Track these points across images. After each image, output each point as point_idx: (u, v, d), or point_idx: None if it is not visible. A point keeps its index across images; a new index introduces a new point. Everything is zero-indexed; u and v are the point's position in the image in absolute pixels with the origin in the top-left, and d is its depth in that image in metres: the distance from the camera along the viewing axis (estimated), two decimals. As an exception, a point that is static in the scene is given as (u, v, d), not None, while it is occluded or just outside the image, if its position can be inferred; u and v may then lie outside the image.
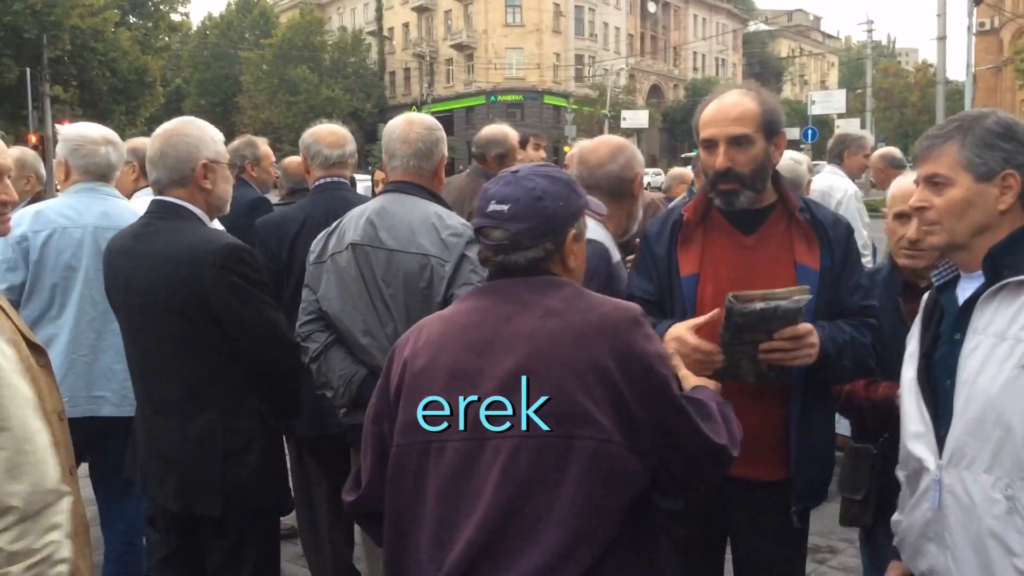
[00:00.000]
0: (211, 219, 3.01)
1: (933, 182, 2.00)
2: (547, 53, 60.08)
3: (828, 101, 40.31)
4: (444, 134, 3.26)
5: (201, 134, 2.97)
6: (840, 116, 40.74)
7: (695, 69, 77.43)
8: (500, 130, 5.16)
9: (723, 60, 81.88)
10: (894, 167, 6.32)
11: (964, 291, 2.03)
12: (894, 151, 6.69)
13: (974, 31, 27.15)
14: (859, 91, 51.04)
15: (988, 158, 1.95)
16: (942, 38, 26.18)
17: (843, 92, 41.99)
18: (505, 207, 1.84)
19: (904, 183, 2.89)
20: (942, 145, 2.00)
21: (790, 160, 5.23)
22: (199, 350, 2.81)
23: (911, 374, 2.09)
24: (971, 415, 1.89)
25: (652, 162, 61.18)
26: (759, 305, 2.30)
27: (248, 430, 2.85)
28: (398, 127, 3.19)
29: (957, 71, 58.73)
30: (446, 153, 3.24)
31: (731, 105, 2.55)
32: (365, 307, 3.04)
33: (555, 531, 1.71)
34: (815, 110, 39.94)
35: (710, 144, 2.57)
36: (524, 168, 1.92)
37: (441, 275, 2.96)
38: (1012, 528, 1.82)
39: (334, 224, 3.20)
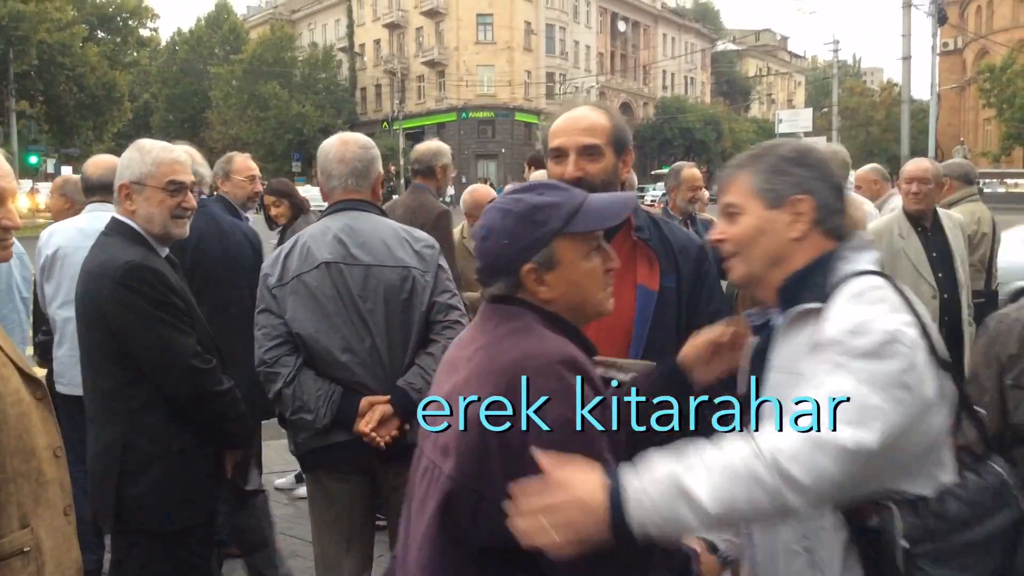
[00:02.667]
0: (159, 241, 3.00)
1: (728, 212, 1.91)
2: (518, 70, 60.35)
3: (795, 120, 40.87)
4: (378, 152, 3.32)
5: (133, 156, 2.98)
6: (807, 134, 41.31)
7: (664, 87, 78.08)
8: (437, 143, 5.36)
9: (692, 79, 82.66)
10: (884, 179, 6.46)
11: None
12: (878, 166, 6.75)
13: (938, 51, 27.62)
14: (825, 110, 51.67)
15: (777, 183, 1.85)
16: (907, 58, 26.63)
17: (810, 111, 42.63)
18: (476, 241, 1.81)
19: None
20: (736, 174, 1.91)
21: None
22: (107, 363, 2.86)
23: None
24: None
25: (622, 179, 61.39)
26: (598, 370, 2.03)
27: (149, 450, 2.84)
28: (333, 147, 3.23)
29: (922, 90, 59.78)
30: (381, 171, 3.30)
31: (581, 117, 2.51)
32: (344, 324, 3.04)
33: (413, 559, 1.73)
34: (782, 128, 40.40)
35: (559, 153, 2.49)
36: (502, 195, 1.84)
37: (423, 285, 3.09)
38: None
39: (287, 245, 3.18)
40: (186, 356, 2.86)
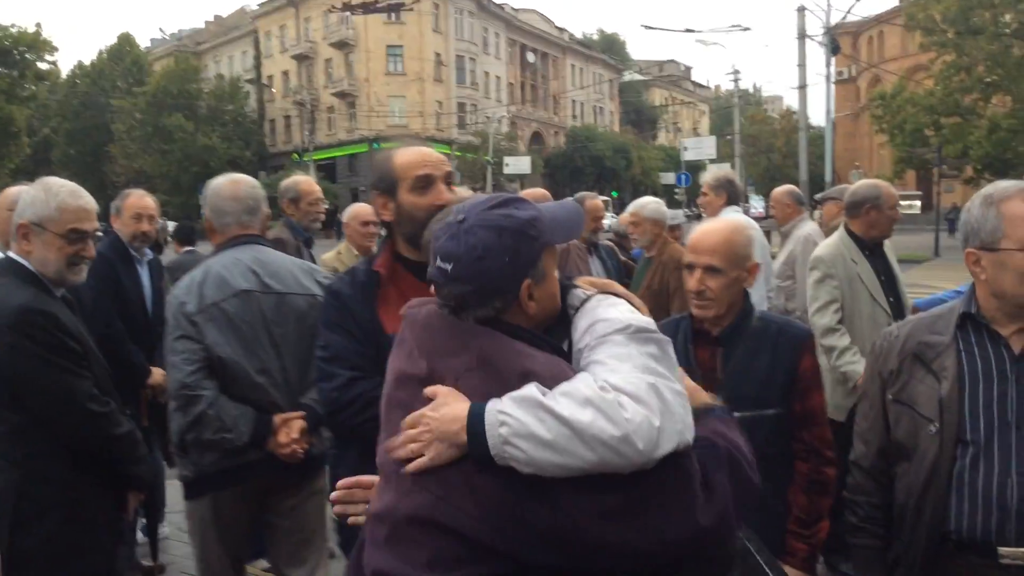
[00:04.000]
0: (55, 284, 2.93)
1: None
2: (429, 101, 60.53)
3: (700, 147, 41.71)
4: (263, 192, 3.58)
5: (38, 196, 2.92)
6: (712, 161, 42.30)
7: (574, 116, 79.30)
8: (291, 179, 5.55)
9: (601, 108, 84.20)
10: (799, 203, 6.48)
11: None
12: (796, 189, 6.77)
13: (832, 80, 28.73)
14: (729, 137, 53.10)
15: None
16: (803, 87, 27.62)
17: (713, 139, 43.50)
18: (448, 266, 1.65)
19: (697, 233, 2.86)
20: None
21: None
22: (2, 408, 2.75)
23: None
24: None
25: (535, 207, 61.84)
26: None
27: (44, 497, 2.73)
28: (225, 187, 3.45)
29: (819, 117, 61.97)
30: (268, 210, 3.54)
31: (430, 151, 2.68)
32: (260, 348, 3.25)
33: None
34: (688, 156, 41.21)
35: (427, 183, 2.57)
36: (472, 213, 1.69)
37: None
38: None
39: (198, 274, 3.29)
40: (83, 400, 2.79)
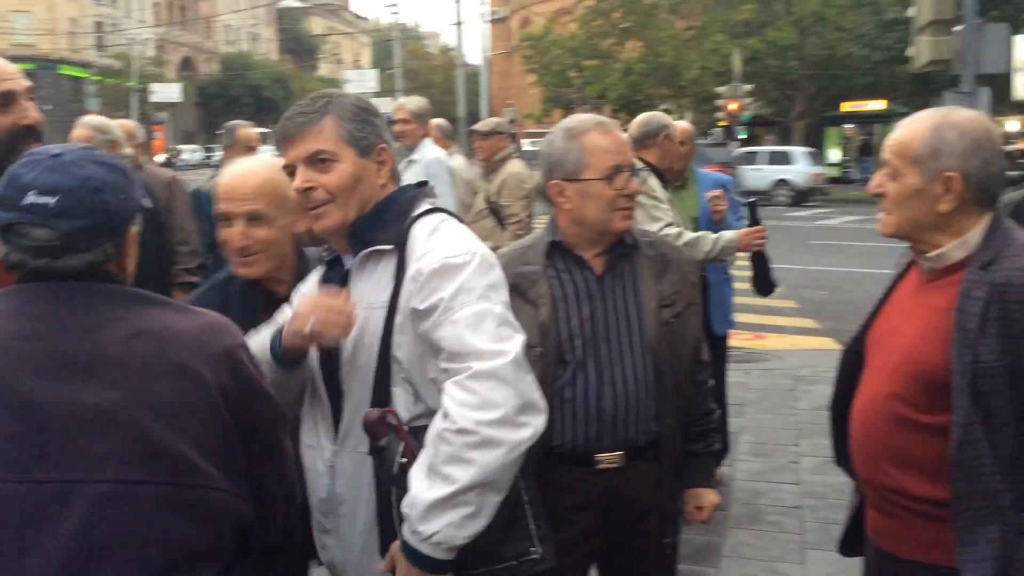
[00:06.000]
0: None
1: (319, 159, 1.91)
2: (60, 18, 54.23)
3: (362, 80, 41.62)
4: None
5: None
6: (375, 95, 42.36)
7: (229, 42, 75.21)
8: None
9: (257, 34, 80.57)
10: (447, 136, 6.37)
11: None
12: (444, 122, 6.69)
13: (487, 19, 29.71)
14: (390, 71, 53.27)
15: (368, 132, 1.94)
16: (459, 23, 28.36)
17: (375, 72, 43.61)
18: (52, 200, 1.44)
19: (229, 177, 2.32)
20: (319, 121, 1.92)
21: None
22: None
23: (313, 355, 2.03)
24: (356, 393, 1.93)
25: (188, 138, 58.50)
26: None
27: None
28: None
29: (476, 55, 63.97)
30: None
31: (6, 63, 2.47)
32: None
33: None
34: (350, 89, 40.67)
35: (8, 99, 2.36)
36: (69, 151, 1.52)
37: None
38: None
39: None
40: None
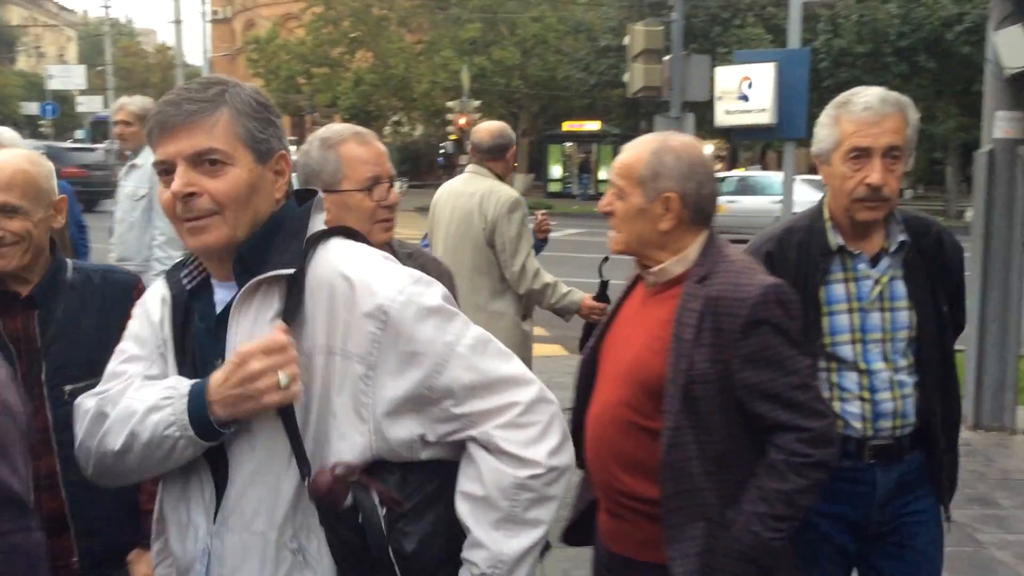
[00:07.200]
0: None
1: (208, 160, 1.50)
2: None
3: (68, 76, 38.62)
4: None
5: None
6: (82, 92, 39.25)
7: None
8: None
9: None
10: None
11: (221, 302, 1.61)
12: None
13: (208, 19, 28.44)
14: (100, 68, 49.70)
15: (269, 134, 1.57)
16: (178, 22, 26.95)
17: (83, 68, 40.40)
18: None
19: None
20: (213, 113, 1.51)
21: None
22: None
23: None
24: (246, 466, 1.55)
25: None
26: None
27: None
28: None
29: (196, 56, 61.17)
30: None
31: None
32: None
33: None
34: (54, 84, 38.08)
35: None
36: None
37: None
38: None
39: None
40: None
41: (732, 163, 37.90)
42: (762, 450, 2.08)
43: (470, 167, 4.41)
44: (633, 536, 2.19)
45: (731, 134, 13.17)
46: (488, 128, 4.47)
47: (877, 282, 2.42)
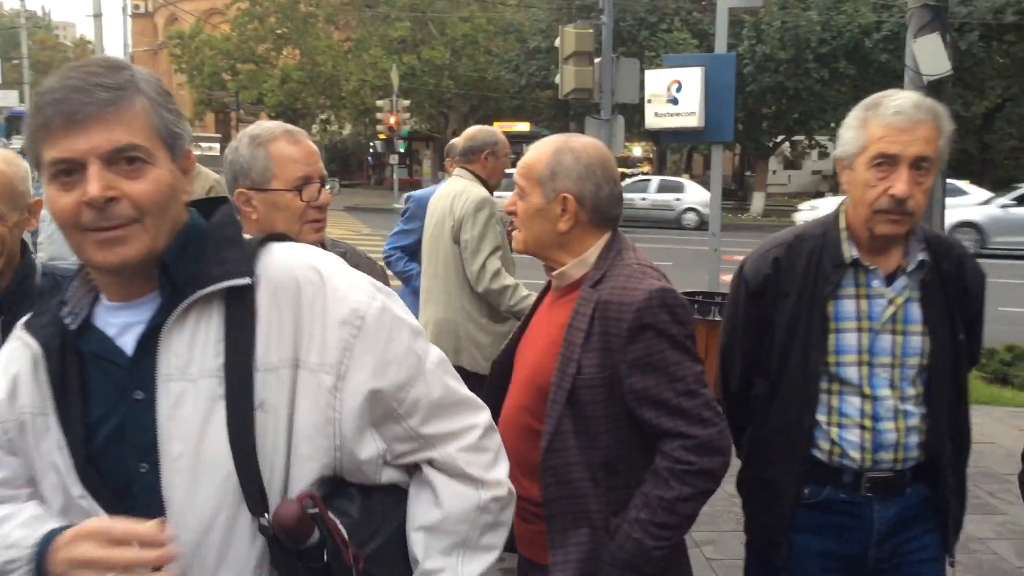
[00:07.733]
0: None
1: (128, 159, 1.25)
2: None
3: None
4: None
5: None
6: (-3, 87, 38.18)
7: None
8: None
9: None
10: None
11: (122, 326, 1.34)
12: None
13: (129, 12, 27.70)
14: (16, 62, 48.13)
15: (182, 127, 1.35)
16: (98, 15, 26.11)
17: (-3, 60, 39.09)
18: None
19: None
20: (128, 101, 1.25)
21: None
22: None
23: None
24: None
25: None
26: None
27: None
28: None
29: (117, 50, 59.55)
30: None
31: None
32: None
33: None
34: (-35, 77, 36.59)
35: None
36: None
37: None
38: None
39: None
40: None
41: (660, 166, 38.46)
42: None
43: (455, 171, 4.57)
44: (535, 540, 2.17)
45: (660, 136, 13.29)
46: (465, 132, 4.63)
47: (891, 302, 2.24)
